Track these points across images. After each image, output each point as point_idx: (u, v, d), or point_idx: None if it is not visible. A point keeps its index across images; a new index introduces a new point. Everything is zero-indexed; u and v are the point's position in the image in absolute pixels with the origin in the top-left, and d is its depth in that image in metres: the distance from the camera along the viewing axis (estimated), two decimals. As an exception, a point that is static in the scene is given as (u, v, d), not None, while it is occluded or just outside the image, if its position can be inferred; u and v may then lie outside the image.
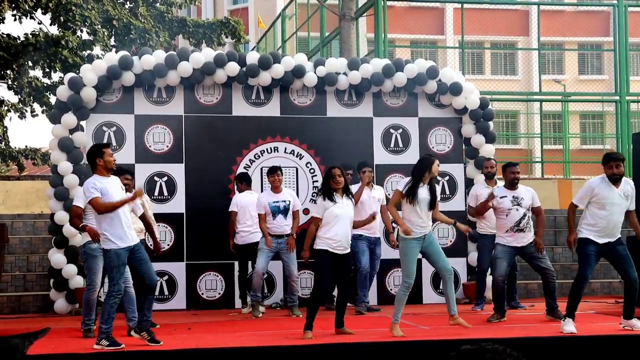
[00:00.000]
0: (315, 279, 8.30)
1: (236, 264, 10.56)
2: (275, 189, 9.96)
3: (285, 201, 9.91)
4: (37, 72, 17.73)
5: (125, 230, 7.34)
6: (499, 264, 8.95)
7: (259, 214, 9.94)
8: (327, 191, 7.91)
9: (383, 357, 7.26)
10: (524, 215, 8.96)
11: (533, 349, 7.36)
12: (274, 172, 9.99)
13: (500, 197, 9.04)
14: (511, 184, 9.11)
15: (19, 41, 16.62)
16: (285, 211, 9.88)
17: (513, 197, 9.02)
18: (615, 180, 8.14)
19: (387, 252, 10.42)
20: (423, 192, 8.06)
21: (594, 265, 8.18)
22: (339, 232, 7.82)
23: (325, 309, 10.30)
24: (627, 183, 8.29)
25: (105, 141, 10.60)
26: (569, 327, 7.91)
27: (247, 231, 10.24)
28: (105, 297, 7.42)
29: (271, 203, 9.89)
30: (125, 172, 8.83)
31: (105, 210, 7.27)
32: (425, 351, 7.20)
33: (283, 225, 9.87)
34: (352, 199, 8.11)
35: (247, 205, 10.25)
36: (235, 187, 10.65)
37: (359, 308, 10.00)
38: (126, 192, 7.85)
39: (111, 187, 7.40)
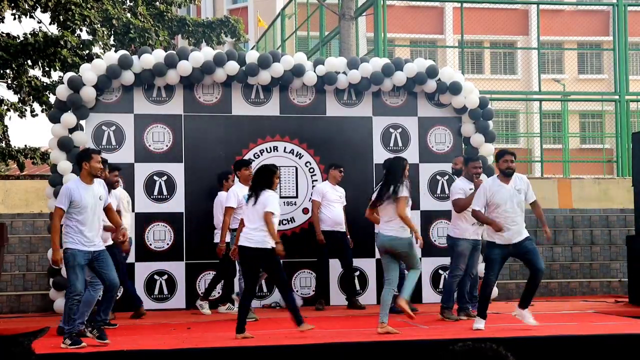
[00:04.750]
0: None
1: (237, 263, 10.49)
2: (246, 182, 9.55)
3: None
4: (36, 72, 17.73)
5: (87, 236, 7.49)
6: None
7: (226, 208, 9.61)
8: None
9: (383, 357, 7.26)
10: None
11: (532, 349, 7.36)
12: (247, 165, 9.80)
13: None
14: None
15: (18, 40, 16.61)
16: None
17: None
18: (507, 175, 8.23)
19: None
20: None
21: (499, 268, 8.32)
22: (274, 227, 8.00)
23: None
24: (519, 178, 8.34)
25: (104, 141, 10.63)
26: (478, 324, 8.11)
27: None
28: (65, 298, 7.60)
29: (246, 195, 9.66)
30: (114, 169, 9.37)
31: (51, 228, 7.67)
32: (425, 351, 7.20)
33: None
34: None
35: None
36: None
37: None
38: (114, 188, 9.03)
39: (87, 196, 7.51)
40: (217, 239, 10.22)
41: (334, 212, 10.44)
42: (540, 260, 8.26)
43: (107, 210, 7.77)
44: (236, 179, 10.01)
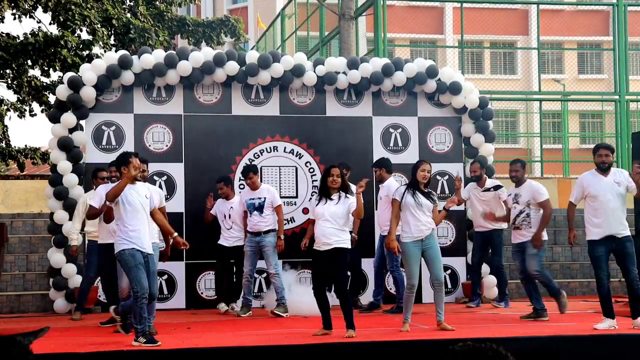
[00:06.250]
0: None
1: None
2: (254, 189, 9.98)
3: (260, 198, 9.87)
4: (36, 72, 17.74)
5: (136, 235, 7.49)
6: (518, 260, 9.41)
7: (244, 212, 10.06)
8: (322, 190, 8.02)
9: (383, 357, 7.26)
10: (520, 212, 9.22)
11: (532, 349, 7.36)
12: (246, 174, 9.97)
13: (507, 195, 9.67)
14: (512, 181, 9.59)
15: (18, 40, 16.62)
16: (259, 208, 9.85)
17: (515, 194, 9.41)
18: (604, 169, 8.33)
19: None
20: (419, 196, 8.21)
21: (606, 265, 8.19)
22: (317, 230, 7.93)
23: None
24: (620, 172, 8.47)
25: (104, 141, 10.64)
26: (602, 325, 8.03)
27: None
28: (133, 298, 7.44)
29: (247, 200, 9.93)
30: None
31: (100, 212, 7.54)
32: (425, 351, 7.20)
33: (257, 222, 9.84)
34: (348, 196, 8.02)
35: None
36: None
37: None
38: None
39: (131, 194, 7.48)
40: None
41: None
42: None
43: (152, 213, 7.73)
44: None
